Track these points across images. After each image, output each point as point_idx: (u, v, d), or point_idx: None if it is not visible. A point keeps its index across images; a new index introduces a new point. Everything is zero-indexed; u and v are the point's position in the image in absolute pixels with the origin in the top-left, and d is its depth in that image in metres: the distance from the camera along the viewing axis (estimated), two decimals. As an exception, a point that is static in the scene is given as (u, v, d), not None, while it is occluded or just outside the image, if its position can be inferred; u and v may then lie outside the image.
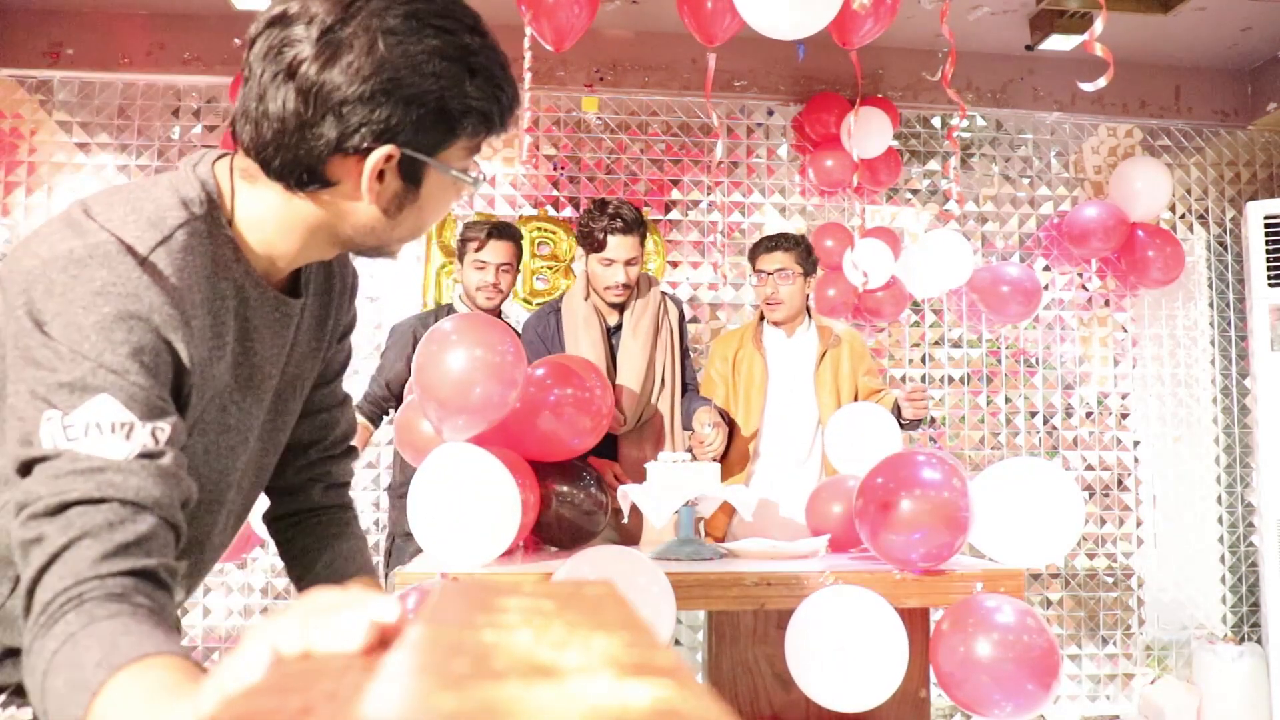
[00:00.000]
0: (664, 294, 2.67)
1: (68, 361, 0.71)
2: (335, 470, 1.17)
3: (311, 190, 0.82)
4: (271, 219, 0.86)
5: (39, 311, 0.72)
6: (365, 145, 0.79)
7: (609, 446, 2.46)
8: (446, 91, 0.79)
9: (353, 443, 1.21)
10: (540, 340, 2.55)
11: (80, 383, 0.70)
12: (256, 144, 0.80)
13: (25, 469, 0.70)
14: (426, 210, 0.88)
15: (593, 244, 2.48)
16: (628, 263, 2.47)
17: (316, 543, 1.12)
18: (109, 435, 0.70)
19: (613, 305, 2.55)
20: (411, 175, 0.83)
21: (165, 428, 0.74)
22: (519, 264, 2.80)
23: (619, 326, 2.57)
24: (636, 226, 2.48)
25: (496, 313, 2.75)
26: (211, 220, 0.84)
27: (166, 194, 0.82)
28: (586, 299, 2.56)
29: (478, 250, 2.69)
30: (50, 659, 0.62)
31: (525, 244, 3.71)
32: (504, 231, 2.73)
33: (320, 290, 1.02)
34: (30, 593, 0.67)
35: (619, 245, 2.46)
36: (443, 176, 0.85)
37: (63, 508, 0.68)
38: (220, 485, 0.93)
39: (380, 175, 0.82)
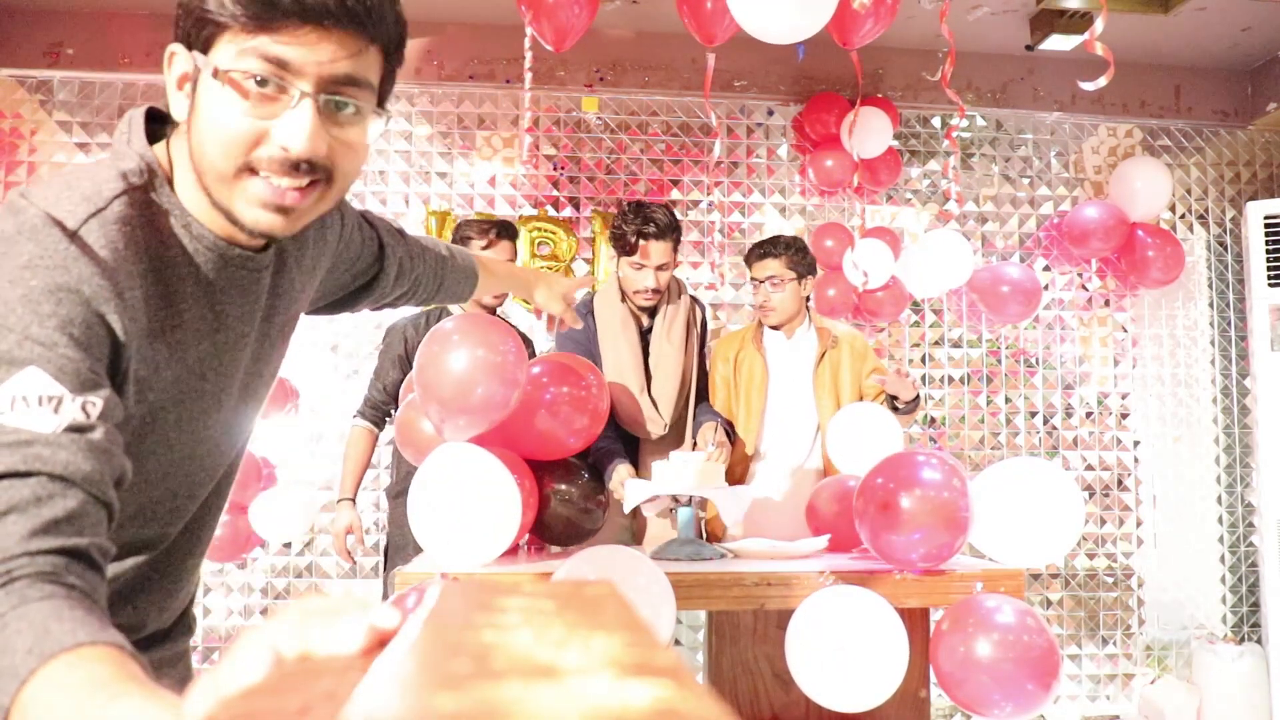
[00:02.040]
0: (692, 298, 2.68)
1: None
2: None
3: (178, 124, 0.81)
4: (188, 174, 0.83)
5: None
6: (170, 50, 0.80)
7: (632, 449, 2.46)
8: None
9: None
10: (573, 343, 2.51)
11: (6, 356, 0.68)
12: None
13: None
14: (199, 119, 0.79)
15: (625, 247, 2.46)
16: (659, 268, 2.46)
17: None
18: (36, 408, 0.67)
19: (641, 309, 2.54)
20: (194, 80, 0.79)
21: (97, 401, 0.71)
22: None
23: (649, 329, 2.57)
24: (670, 232, 2.46)
25: (493, 311, 2.75)
26: (152, 189, 0.82)
27: (104, 169, 0.80)
28: (623, 300, 2.55)
29: (485, 249, 2.68)
30: None
31: (525, 244, 3.72)
32: (507, 231, 2.73)
33: (300, 244, 1.00)
34: None
35: (651, 250, 2.44)
36: (207, 79, 0.77)
37: None
38: (195, 447, 0.92)
39: (181, 83, 0.80)
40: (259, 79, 0.75)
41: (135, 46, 3.64)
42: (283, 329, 1.01)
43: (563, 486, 2.16)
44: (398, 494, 2.68)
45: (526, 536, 2.19)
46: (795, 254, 2.66)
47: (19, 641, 0.57)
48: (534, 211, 3.76)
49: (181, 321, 0.84)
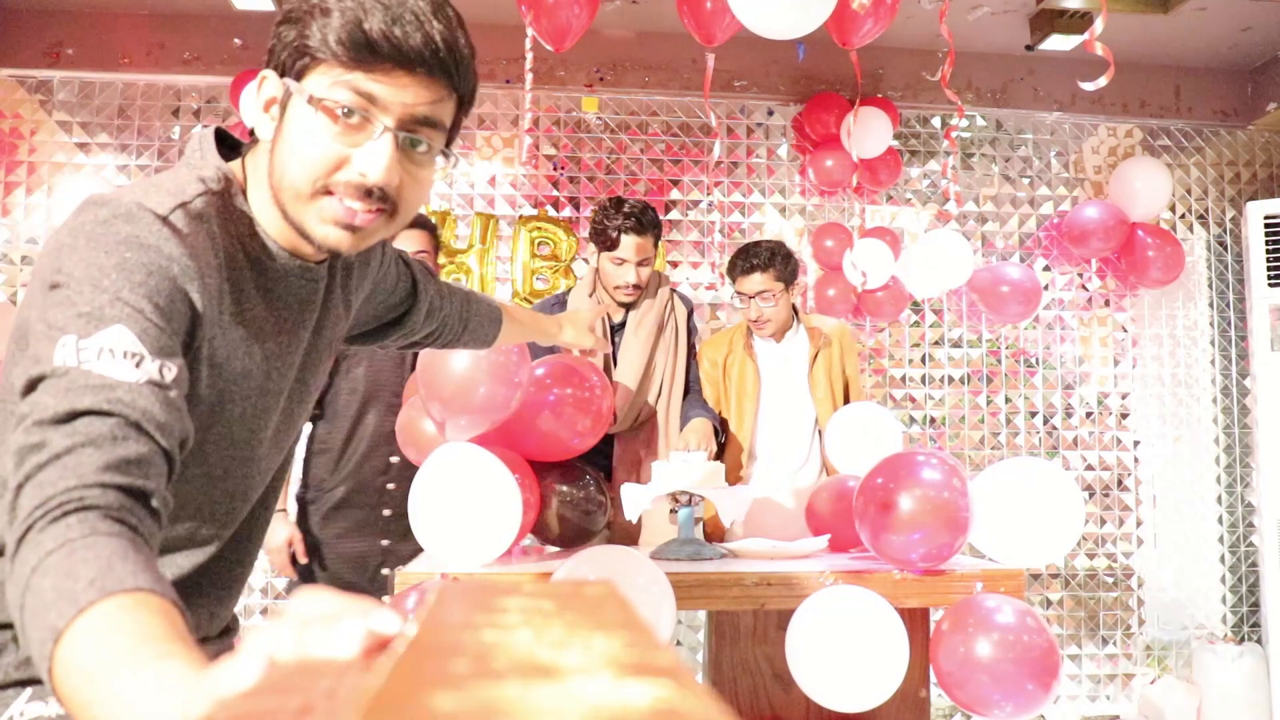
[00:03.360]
0: (673, 291, 2.63)
1: (87, 294, 0.74)
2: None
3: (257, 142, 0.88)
4: (263, 189, 0.89)
5: (63, 265, 0.76)
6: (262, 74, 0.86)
7: (605, 447, 2.45)
8: (311, 3, 0.82)
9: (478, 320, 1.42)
10: None
11: (98, 313, 0.73)
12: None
13: (32, 385, 0.71)
14: (285, 140, 0.85)
15: (605, 241, 2.44)
16: (640, 263, 2.44)
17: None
18: (120, 360, 0.72)
19: (621, 304, 2.53)
20: (284, 103, 0.85)
21: (172, 368, 0.76)
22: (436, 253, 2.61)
23: (622, 324, 2.55)
24: (651, 227, 2.44)
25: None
26: (228, 195, 0.89)
27: (184, 174, 0.88)
28: (591, 295, 2.54)
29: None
30: (44, 558, 0.61)
31: (525, 244, 3.72)
32: (418, 223, 2.57)
33: (346, 263, 1.06)
34: (19, 489, 0.66)
35: (632, 245, 2.42)
36: (300, 104, 0.83)
37: (71, 416, 0.68)
38: (254, 448, 0.96)
39: (269, 106, 0.86)
40: (347, 110, 0.82)
41: (135, 46, 3.64)
42: (329, 345, 1.06)
43: (564, 488, 2.16)
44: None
45: (531, 540, 2.20)
46: (780, 263, 2.60)
47: (84, 570, 0.59)
48: (534, 211, 3.76)
49: (248, 318, 0.90)
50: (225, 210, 0.88)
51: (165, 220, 0.80)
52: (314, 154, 0.83)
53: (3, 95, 3.61)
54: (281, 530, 2.52)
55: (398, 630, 0.47)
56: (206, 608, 1.01)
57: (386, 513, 2.45)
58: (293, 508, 2.55)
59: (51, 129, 3.63)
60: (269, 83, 0.87)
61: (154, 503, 0.70)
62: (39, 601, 0.59)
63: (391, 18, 0.80)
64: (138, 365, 0.73)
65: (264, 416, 0.96)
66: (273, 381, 0.95)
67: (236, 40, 3.66)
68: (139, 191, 0.82)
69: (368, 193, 0.84)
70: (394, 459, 2.43)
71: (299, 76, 0.83)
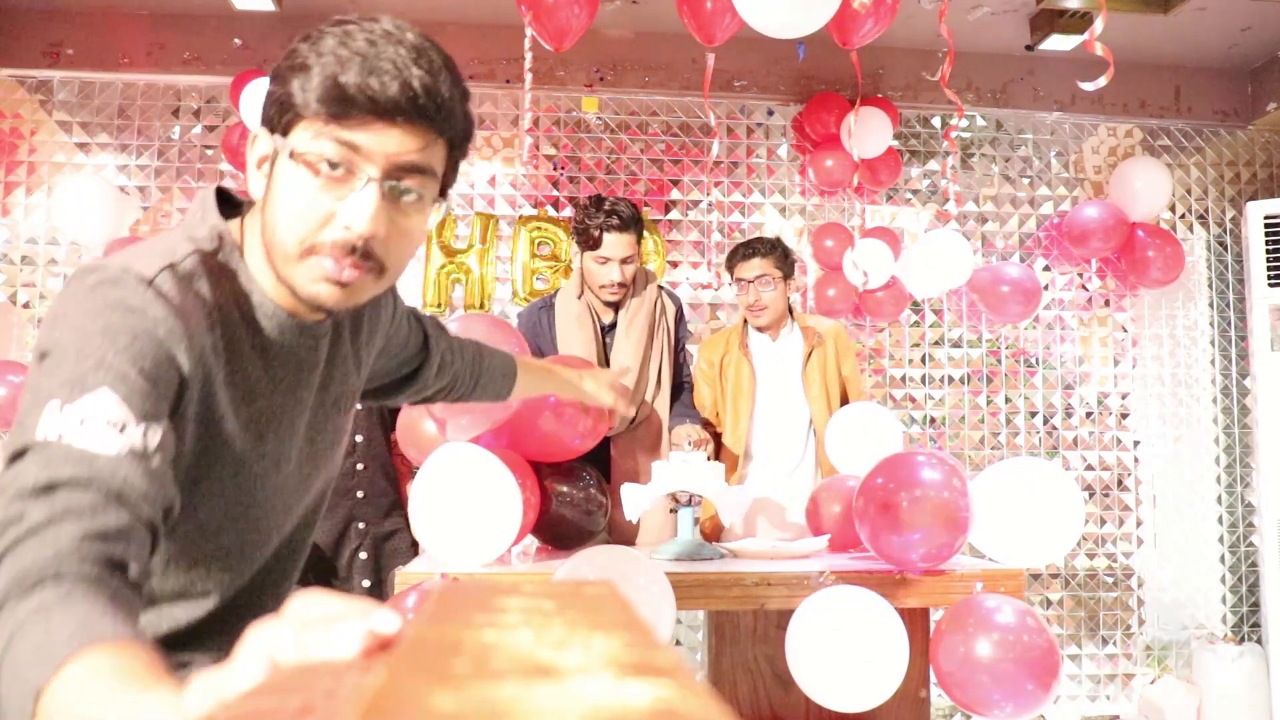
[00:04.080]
0: (661, 289, 2.63)
1: (72, 360, 0.74)
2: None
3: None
4: (258, 249, 0.89)
5: (53, 334, 0.77)
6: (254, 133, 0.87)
7: (602, 449, 2.45)
8: (294, 61, 0.81)
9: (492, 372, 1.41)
10: (532, 336, 2.51)
11: (82, 378, 0.73)
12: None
13: (15, 455, 0.71)
14: (273, 197, 0.84)
15: (588, 241, 2.44)
16: (623, 261, 2.43)
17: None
18: (103, 429, 0.72)
19: (608, 304, 2.52)
20: (273, 160, 0.84)
21: (157, 431, 0.75)
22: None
23: (613, 324, 2.55)
24: (633, 224, 2.44)
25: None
26: (222, 254, 0.89)
27: (177, 236, 0.88)
28: (580, 296, 2.54)
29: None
30: (20, 625, 0.60)
31: (525, 244, 3.72)
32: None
33: (354, 318, 1.05)
34: None
35: (614, 243, 2.41)
36: (285, 160, 0.83)
37: (50, 488, 0.68)
38: (250, 507, 0.94)
39: (261, 163, 0.86)
40: (331, 162, 0.81)
41: (135, 46, 3.65)
42: (338, 401, 1.04)
43: (564, 488, 2.16)
44: None
45: (535, 545, 2.20)
46: (780, 254, 2.66)
47: (62, 629, 0.59)
48: (534, 211, 3.76)
49: (239, 379, 0.88)
50: (217, 269, 0.87)
51: (151, 283, 0.80)
52: (299, 208, 0.82)
53: (3, 95, 3.61)
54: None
55: (397, 630, 0.46)
56: (210, 658, 0.98)
57: (360, 494, 2.46)
58: None
59: (51, 129, 3.63)
60: (260, 140, 0.86)
61: (132, 574, 0.69)
62: (17, 669, 0.58)
63: (368, 69, 0.79)
64: (121, 431, 0.72)
65: (262, 478, 0.94)
66: (269, 443, 0.93)
67: (236, 40, 3.66)
68: (128, 256, 0.83)
69: (352, 249, 0.82)
70: (358, 437, 2.47)
71: (285, 132, 0.83)
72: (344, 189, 0.82)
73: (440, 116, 0.83)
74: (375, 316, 1.11)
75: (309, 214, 0.82)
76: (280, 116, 0.83)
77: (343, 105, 0.79)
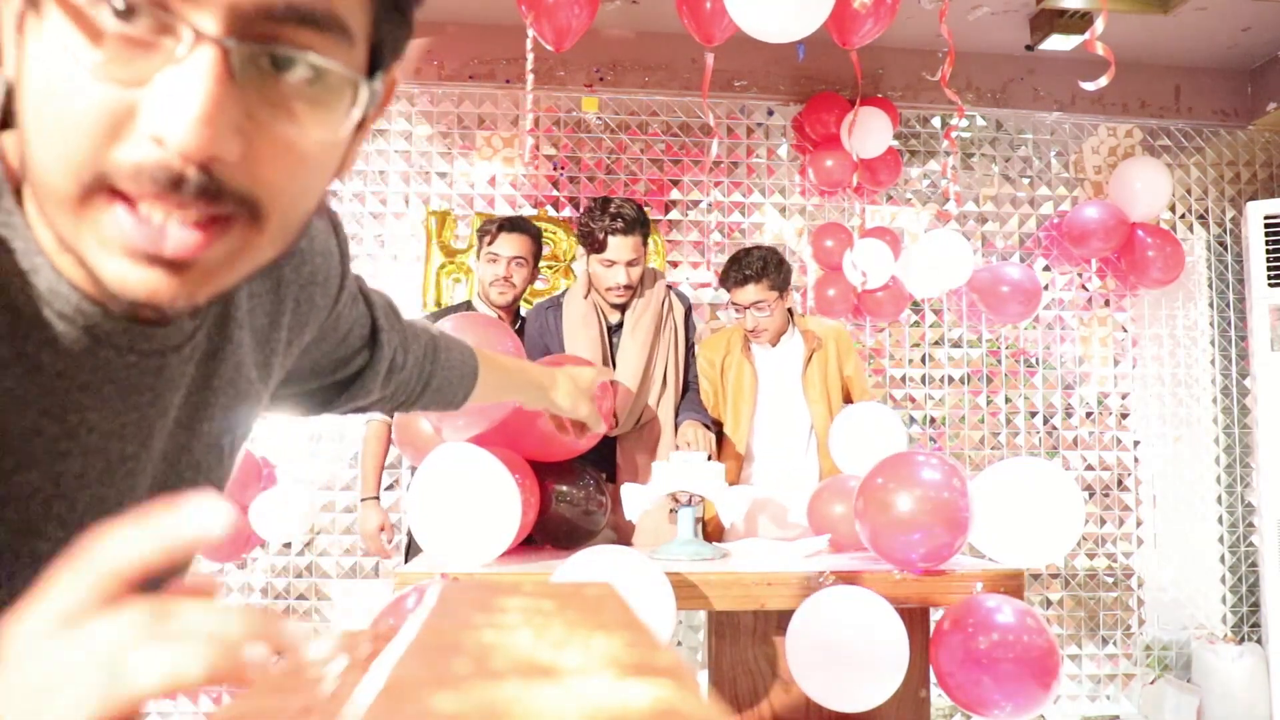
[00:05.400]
0: (669, 289, 2.62)
1: None
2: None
3: None
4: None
5: None
6: None
7: (607, 449, 2.45)
8: None
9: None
10: (539, 336, 2.52)
11: None
12: None
13: None
14: (24, 84, 0.43)
15: (593, 244, 2.44)
16: (629, 264, 2.43)
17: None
18: None
19: (614, 305, 2.53)
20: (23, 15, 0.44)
21: None
22: (536, 261, 2.75)
23: (620, 325, 2.55)
24: (638, 226, 2.44)
25: (512, 309, 2.73)
26: None
27: None
28: (586, 297, 2.54)
29: (490, 243, 2.68)
30: None
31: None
32: (517, 224, 2.72)
33: (265, 294, 0.66)
34: None
35: (619, 246, 2.41)
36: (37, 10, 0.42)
37: None
38: None
39: (21, 21, 0.44)
40: (120, 4, 0.41)
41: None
42: (216, 444, 0.63)
43: (564, 488, 2.16)
44: None
45: (532, 540, 2.20)
46: (773, 272, 2.59)
47: None
48: (534, 211, 3.76)
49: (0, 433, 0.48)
50: None
51: None
52: (66, 108, 0.42)
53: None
54: (374, 516, 2.76)
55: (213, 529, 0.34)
56: None
57: None
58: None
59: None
60: None
61: None
62: None
63: None
64: None
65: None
66: (49, 539, 0.51)
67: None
68: None
69: (176, 182, 0.42)
70: None
71: None
72: (151, 59, 0.42)
73: None
74: (307, 297, 0.70)
75: (86, 116, 0.41)
76: None
77: None
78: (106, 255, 0.44)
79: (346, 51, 0.46)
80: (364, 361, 0.85)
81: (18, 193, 0.48)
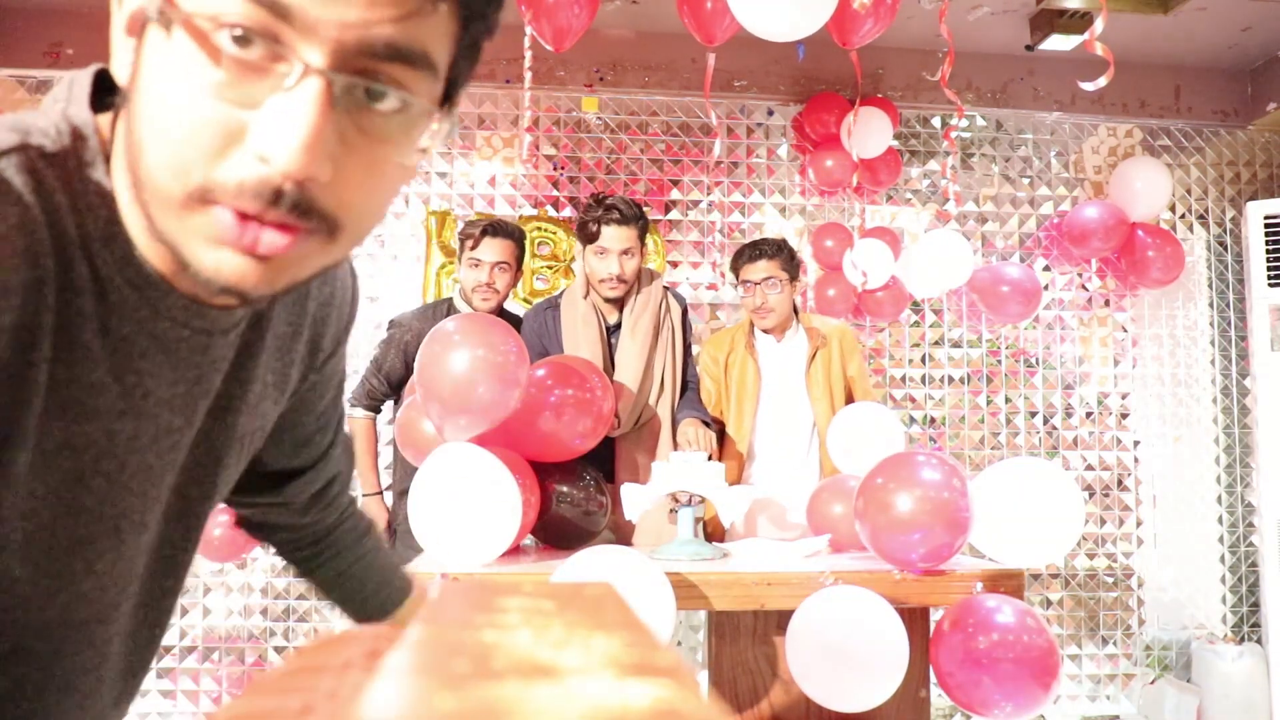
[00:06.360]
0: (666, 290, 2.63)
1: None
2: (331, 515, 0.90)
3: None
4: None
5: None
6: None
7: (606, 450, 2.45)
8: None
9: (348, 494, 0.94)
10: (537, 337, 2.52)
11: None
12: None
13: None
14: (141, 91, 0.48)
15: (587, 235, 2.46)
16: (623, 253, 2.44)
17: (347, 572, 0.90)
18: None
19: (609, 300, 2.51)
20: (144, 27, 0.49)
21: None
22: (519, 264, 2.78)
23: (619, 324, 2.55)
24: (633, 220, 2.45)
25: (495, 314, 2.74)
26: (70, 162, 0.52)
27: (5, 121, 0.52)
28: (586, 297, 2.54)
29: (473, 248, 2.68)
30: None
31: (526, 244, 3.71)
32: (500, 229, 2.72)
33: (304, 311, 0.71)
34: None
35: (613, 236, 2.42)
36: (161, 30, 0.47)
37: None
38: (72, 600, 0.58)
39: (132, 28, 0.50)
40: (239, 32, 0.45)
41: (135, 46, 3.64)
42: (241, 441, 0.68)
43: (565, 488, 2.16)
44: (401, 492, 2.70)
45: (532, 540, 2.20)
46: (786, 256, 2.67)
47: None
48: (534, 211, 3.76)
49: (71, 382, 0.53)
50: (62, 185, 0.51)
51: None
52: (183, 119, 0.46)
53: (2, 95, 3.61)
54: (379, 514, 2.79)
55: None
56: None
57: None
58: (386, 498, 2.81)
59: (51, 129, 3.63)
60: None
61: None
62: None
63: None
64: None
65: (82, 549, 0.57)
66: (94, 494, 0.56)
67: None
68: None
69: (275, 197, 0.47)
70: None
71: None
72: (261, 84, 0.46)
73: None
74: (323, 316, 0.74)
75: (202, 131, 0.46)
76: None
77: None
78: (206, 248, 0.49)
79: (430, 85, 0.51)
80: (306, 463, 0.85)
81: (105, 164, 0.53)
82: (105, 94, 0.55)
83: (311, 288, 0.72)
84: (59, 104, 0.54)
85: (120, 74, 0.51)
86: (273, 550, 0.91)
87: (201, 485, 0.66)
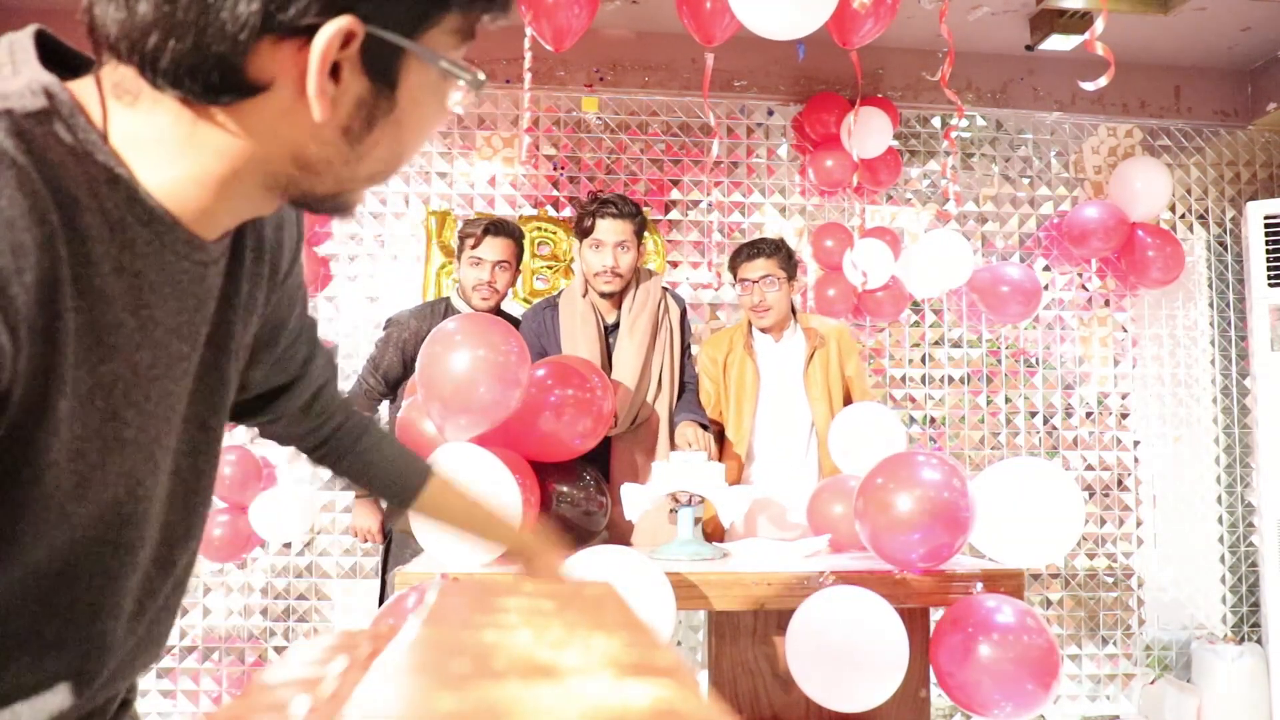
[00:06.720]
0: (665, 290, 2.64)
1: None
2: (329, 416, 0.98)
3: (228, 102, 0.55)
4: (166, 155, 0.57)
5: None
6: (309, 20, 0.52)
7: (603, 449, 2.45)
8: None
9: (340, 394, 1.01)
10: (536, 337, 2.52)
11: None
12: (130, 32, 0.52)
13: None
14: (406, 126, 0.59)
15: (582, 230, 2.48)
16: (617, 245, 2.45)
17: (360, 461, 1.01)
18: None
19: (605, 295, 2.51)
20: (382, 70, 0.56)
21: None
22: (519, 263, 2.78)
23: (617, 324, 2.55)
24: (628, 215, 2.46)
25: (494, 313, 2.73)
26: (53, 119, 0.54)
27: None
28: (584, 296, 2.55)
29: (474, 247, 2.68)
30: None
31: (525, 244, 3.71)
32: (501, 228, 2.72)
33: (263, 236, 0.75)
34: None
35: (608, 228, 2.44)
36: (428, 71, 0.58)
37: None
38: (117, 523, 0.62)
39: (335, 71, 0.55)
40: (477, 78, 0.60)
41: (135, 46, 3.64)
42: (234, 361, 0.72)
43: (565, 488, 2.16)
44: None
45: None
46: (784, 255, 2.68)
47: None
48: (534, 211, 3.76)
49: (93, 325, 0.56)
50: (57, 143, 0.53)
51: None
52: (418, 142, 0.63)
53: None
54: (367, 516, 2.86)
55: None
56: None
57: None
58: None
59: (51, 129, 3.62)
60: (355, 38, 0.55)
61: None
62: None
63: None
64: None
65: (123, 479, 0.62)
66: (129, 424, 0.60)
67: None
68: None
69: None
70: None
71: (412, 31, 0.56)
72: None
73: None
74: (290, 234, 0.79)
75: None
76: (412, 10, 0.56)
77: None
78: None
79: None
80: (292, 376, 0.91)
81: (84, 116, 0.56)
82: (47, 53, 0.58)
83: (270, 229, 0.76)
84: (17, 67, 0.55)
85: (321, 109, 0.55)
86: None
87: (211, 403, 0.70)
